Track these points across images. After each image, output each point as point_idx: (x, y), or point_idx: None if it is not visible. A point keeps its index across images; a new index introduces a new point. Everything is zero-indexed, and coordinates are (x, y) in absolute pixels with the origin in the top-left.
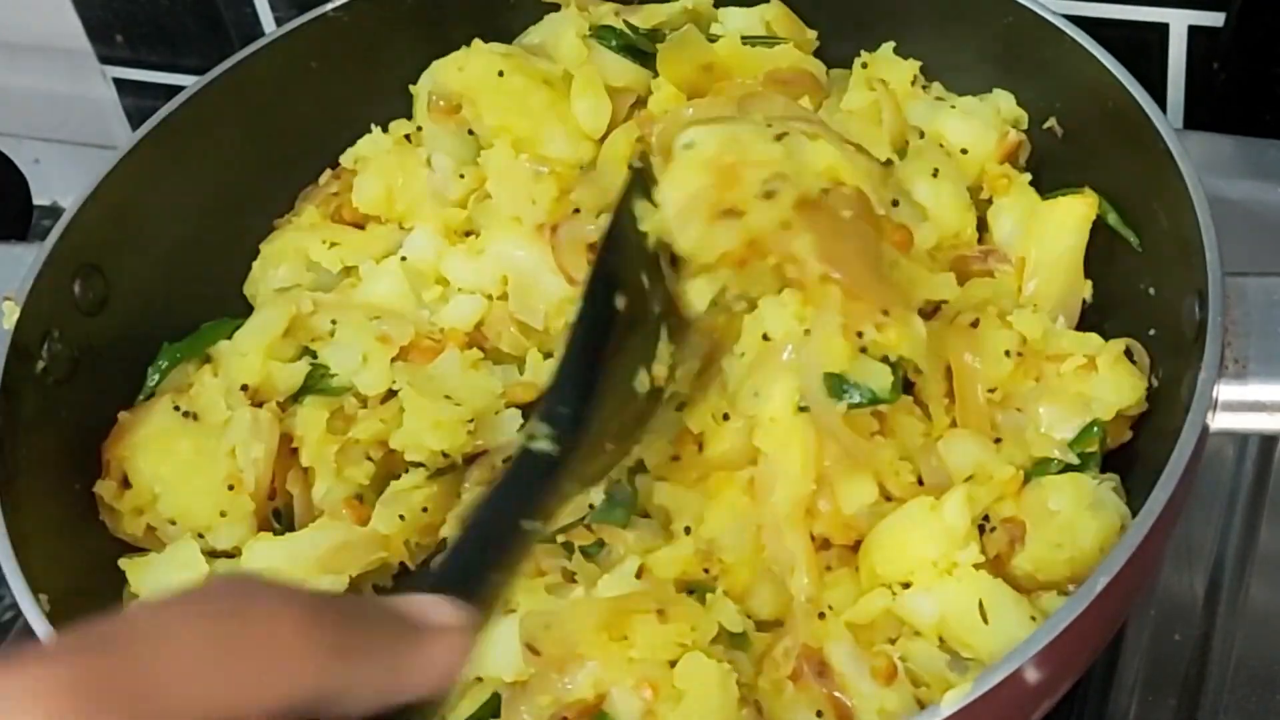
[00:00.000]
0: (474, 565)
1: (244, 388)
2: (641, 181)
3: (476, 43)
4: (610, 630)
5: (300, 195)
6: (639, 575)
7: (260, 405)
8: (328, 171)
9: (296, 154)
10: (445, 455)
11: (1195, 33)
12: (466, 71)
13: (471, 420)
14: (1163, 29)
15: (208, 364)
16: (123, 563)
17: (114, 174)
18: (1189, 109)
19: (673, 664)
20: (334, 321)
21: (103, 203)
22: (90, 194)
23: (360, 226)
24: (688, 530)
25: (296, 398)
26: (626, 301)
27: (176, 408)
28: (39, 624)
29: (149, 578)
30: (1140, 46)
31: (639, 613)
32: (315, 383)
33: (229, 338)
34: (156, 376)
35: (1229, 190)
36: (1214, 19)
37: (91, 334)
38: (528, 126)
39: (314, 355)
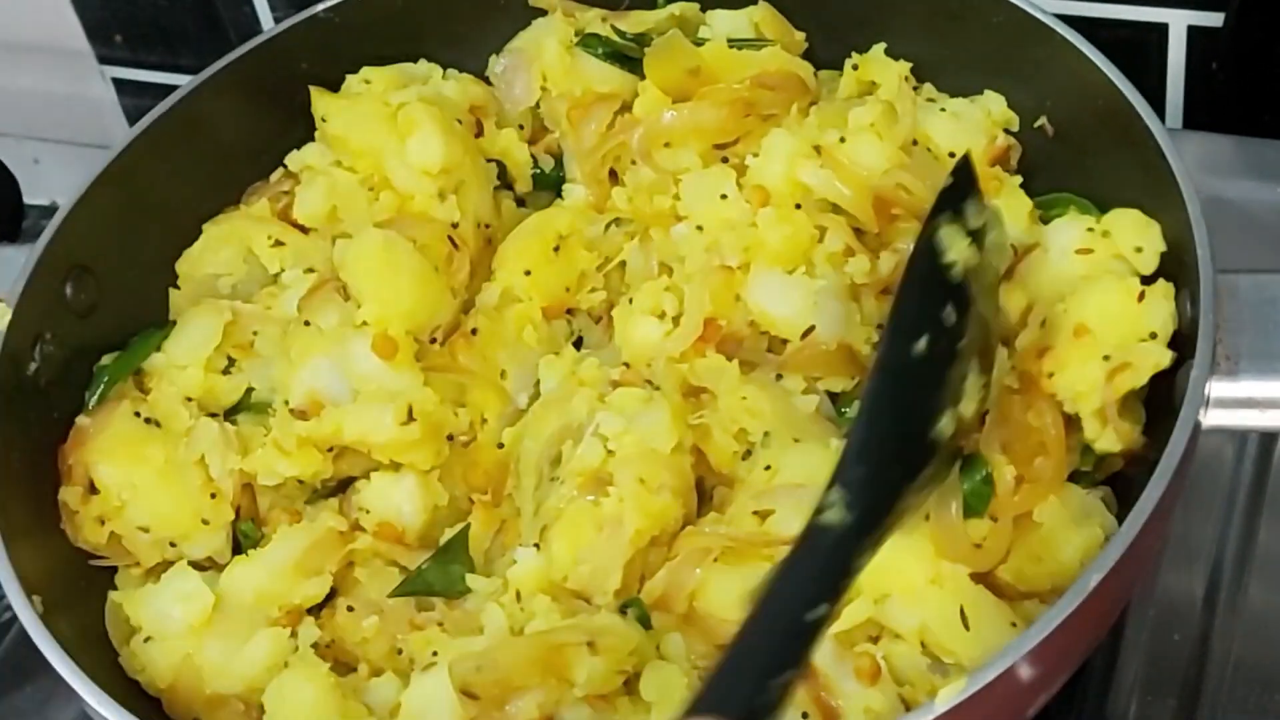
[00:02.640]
0: (750, 674)
1: (188, 400)
2: (954, 199)
3: (349, 78)
4: (545, 665)
5: (249, 189)
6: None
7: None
8: (280, 169)
9: (288, 154)
10: (301, 481)
11: (1194, 33)
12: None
13: (331, 449)
14: (1162, 29)
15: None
16: (115, 597)
17: (105, 175)
18: (1188, 109)
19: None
20: (255, 332)
21: (94, 204)
22: (81, 196)
23: (305, 230)
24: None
25: (230, 414)
26: (928, 343)
27: (137, 414)
28: (32, 625)
29: (149, 609)
30: (1139, 46)
31: (569, 646)
32: (244, 399)
33: (159, 349)
34: (94, 400)
35: (1227, 190)
36: (1213, 19)
37: (84, 335)
38: (369, 165)
39: (231, 361)
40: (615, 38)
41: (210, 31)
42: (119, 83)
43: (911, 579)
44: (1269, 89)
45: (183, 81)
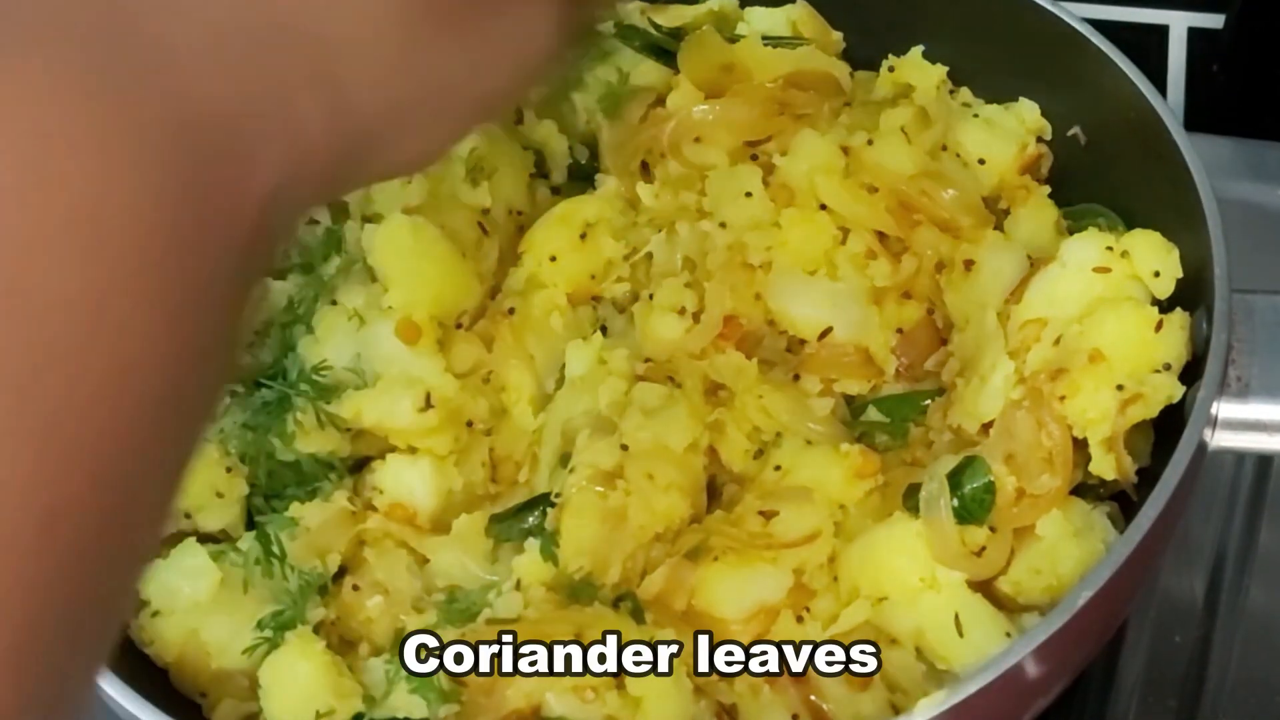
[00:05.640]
0: None
1: None
2: None
3: None
4: None
5: None
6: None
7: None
8: None
9: None
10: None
11: (1195, 34)
12: None
13: (349, 430)
14: (1162, 31)
15: None
16: None
17: None
18: (1188, 111)
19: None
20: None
21: None
22: None
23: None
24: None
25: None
26: None
27: None
28: None
29: (156, 583)
30: (1140, 48)
31: (557, 640)
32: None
33: None
34: None
35: (1227, 192)
36: (1214, 21)
37: None
38: None
39: (258, 335)
40: (652, 31)
41: None
42: None
43: (906, 580)
44: (1270, 91)
45: None
